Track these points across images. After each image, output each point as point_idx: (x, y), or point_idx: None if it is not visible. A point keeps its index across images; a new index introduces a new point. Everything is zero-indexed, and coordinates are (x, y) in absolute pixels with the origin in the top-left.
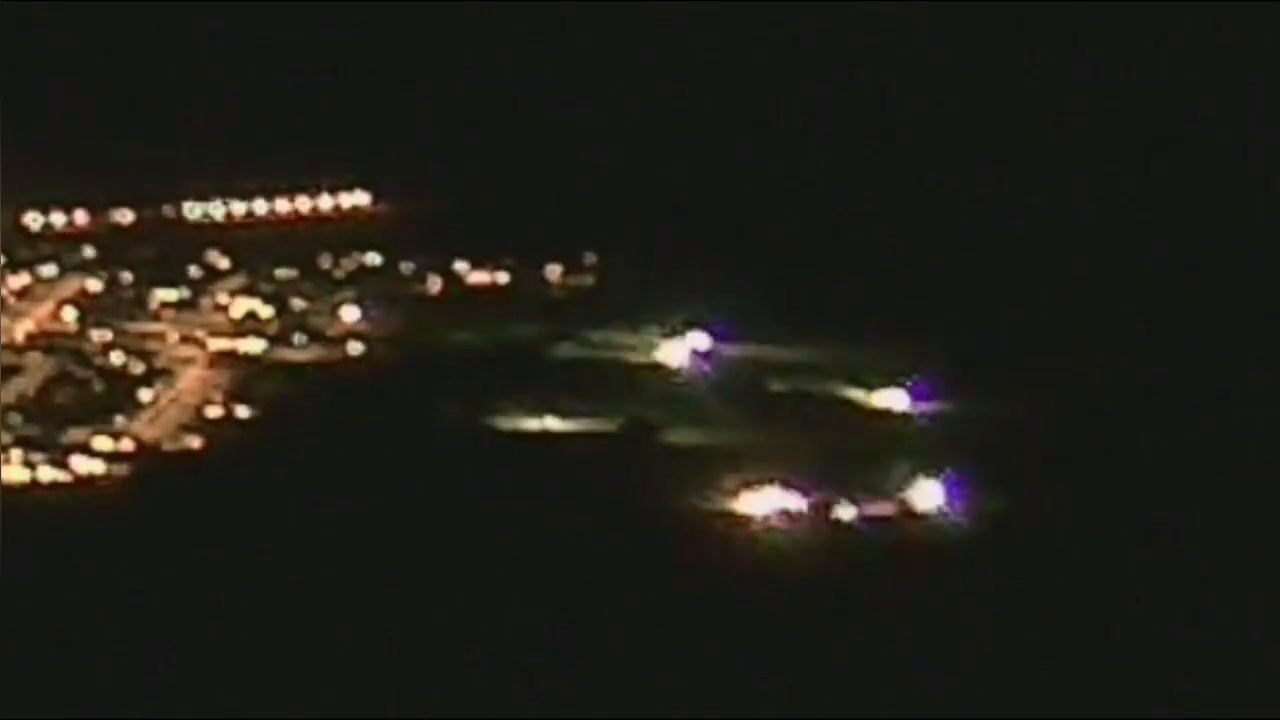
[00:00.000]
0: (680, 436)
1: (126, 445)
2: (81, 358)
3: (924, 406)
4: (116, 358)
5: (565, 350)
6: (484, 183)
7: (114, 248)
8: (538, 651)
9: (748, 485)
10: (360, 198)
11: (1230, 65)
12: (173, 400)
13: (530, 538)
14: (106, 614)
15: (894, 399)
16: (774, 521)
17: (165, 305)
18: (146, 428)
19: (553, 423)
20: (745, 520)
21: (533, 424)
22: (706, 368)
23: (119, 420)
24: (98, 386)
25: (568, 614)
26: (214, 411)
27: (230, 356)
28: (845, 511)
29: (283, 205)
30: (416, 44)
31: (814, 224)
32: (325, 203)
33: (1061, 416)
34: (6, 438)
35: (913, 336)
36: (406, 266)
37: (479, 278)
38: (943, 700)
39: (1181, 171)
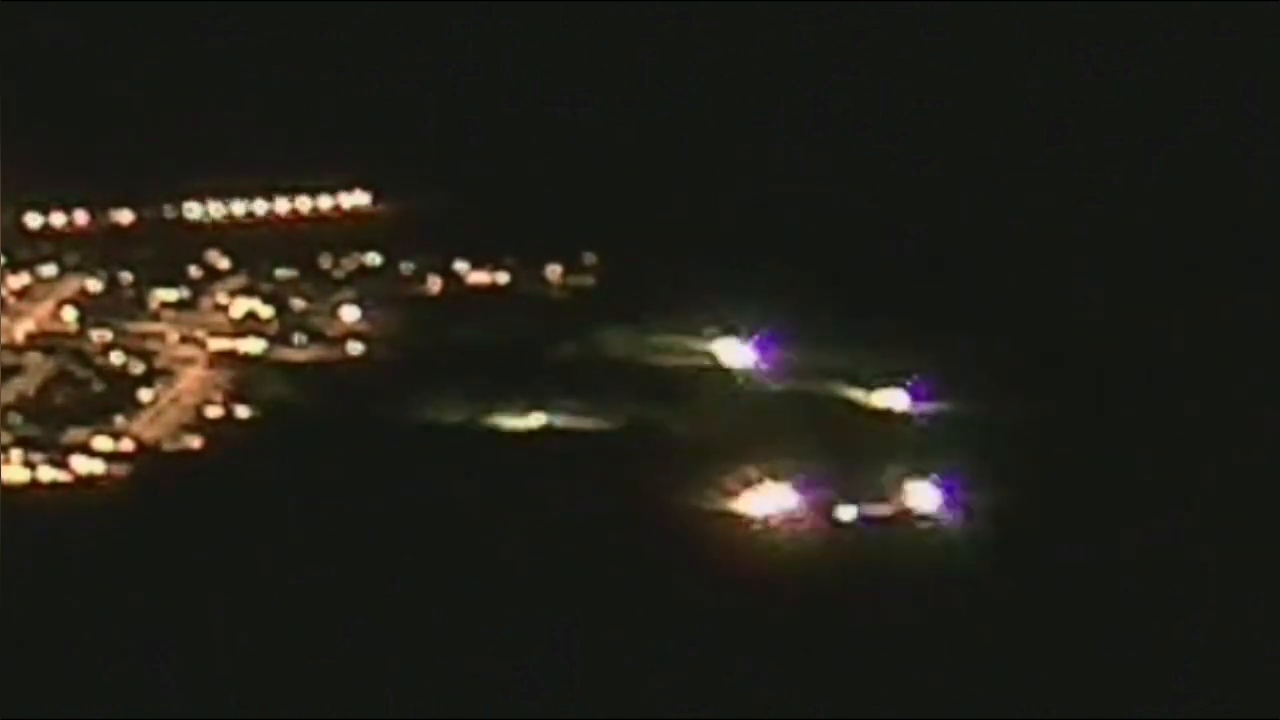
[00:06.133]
0: (680, 436)
1: (126, 445)
2: (81, 358)
3: (924, 406)
4: (116, 358)
5: (565, 350)
6: (484, 183)
7: (114, 248)
8: (537, 652)
9: (748, 485)
10: (360, 198)
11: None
12: (173, 400)
13: (530, 538)
14: (106, 614)
15: (894, 399)
16: (774, 521)
17: (165, 305)
18: (146, 428)
19: (553, 422)
20: (745, 520)
21: (532, 424)
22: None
23: (119, 420)
24: (98, 386)
25: (567, 614)
26: (214, 411)
27: (230, 356)
28: (845, 511)
29: (283, 205)
30: (416, 44)
31: (814, 224)
32: (325, 203)
33: (1061, 416)
34: (6, 438)
35: (913, 336)
36: (406, 266)
37: (479, 278)
38: (943, 700)
39: (1179, 172)
